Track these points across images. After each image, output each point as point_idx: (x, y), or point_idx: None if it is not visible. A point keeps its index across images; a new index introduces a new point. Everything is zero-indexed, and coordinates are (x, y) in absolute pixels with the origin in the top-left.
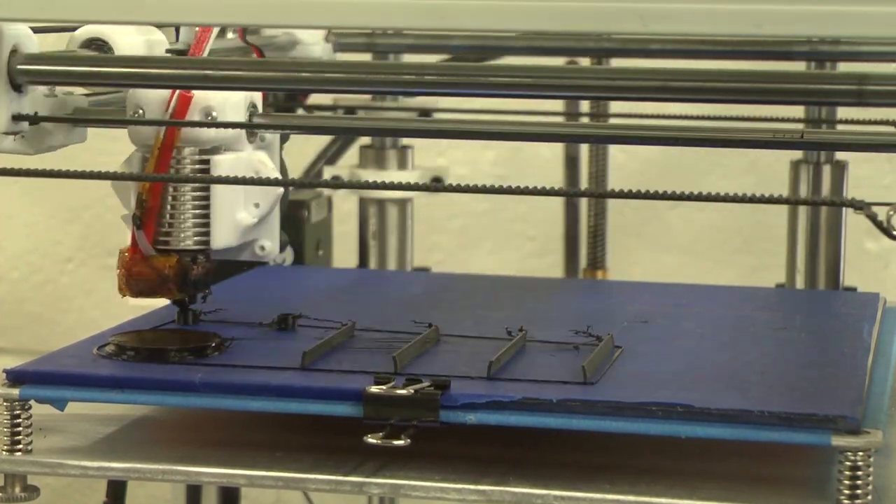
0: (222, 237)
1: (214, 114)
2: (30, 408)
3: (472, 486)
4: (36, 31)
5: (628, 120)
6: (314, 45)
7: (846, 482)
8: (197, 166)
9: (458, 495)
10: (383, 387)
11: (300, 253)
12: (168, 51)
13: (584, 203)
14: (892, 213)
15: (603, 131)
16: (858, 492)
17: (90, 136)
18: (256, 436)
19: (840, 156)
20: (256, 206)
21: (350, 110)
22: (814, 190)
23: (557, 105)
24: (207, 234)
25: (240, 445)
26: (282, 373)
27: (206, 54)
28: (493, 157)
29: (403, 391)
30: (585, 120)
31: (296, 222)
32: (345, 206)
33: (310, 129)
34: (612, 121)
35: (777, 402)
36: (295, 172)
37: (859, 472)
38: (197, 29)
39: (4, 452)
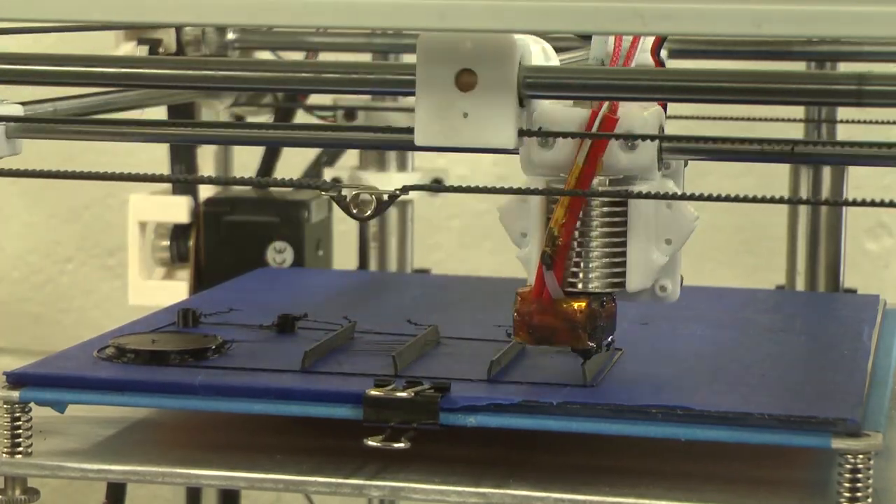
0: (637, 279)
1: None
2: (30, 410)
3: (472, 489)
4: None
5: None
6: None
7: (846, 485)
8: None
9: (458, 497)
10: (383, 389)
11: (300, 253)
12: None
13: None
14: (355, 192)
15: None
16: (858, 494)
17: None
18: (256, 438)
19: None
20: (668, 242)
21: (350, 111)
22: (814, 190)
23: None
24: (619, 275)
25: (240, 448)
26: (282, 375)
27: (633, 65)
28: (493, 157)
29: (403, 394)
30: None
31: (296, 222)
32: None
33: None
34: None
35: (777, 405)
36: (295, 173)
37: (859, 475)
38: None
39: (5, 455)
